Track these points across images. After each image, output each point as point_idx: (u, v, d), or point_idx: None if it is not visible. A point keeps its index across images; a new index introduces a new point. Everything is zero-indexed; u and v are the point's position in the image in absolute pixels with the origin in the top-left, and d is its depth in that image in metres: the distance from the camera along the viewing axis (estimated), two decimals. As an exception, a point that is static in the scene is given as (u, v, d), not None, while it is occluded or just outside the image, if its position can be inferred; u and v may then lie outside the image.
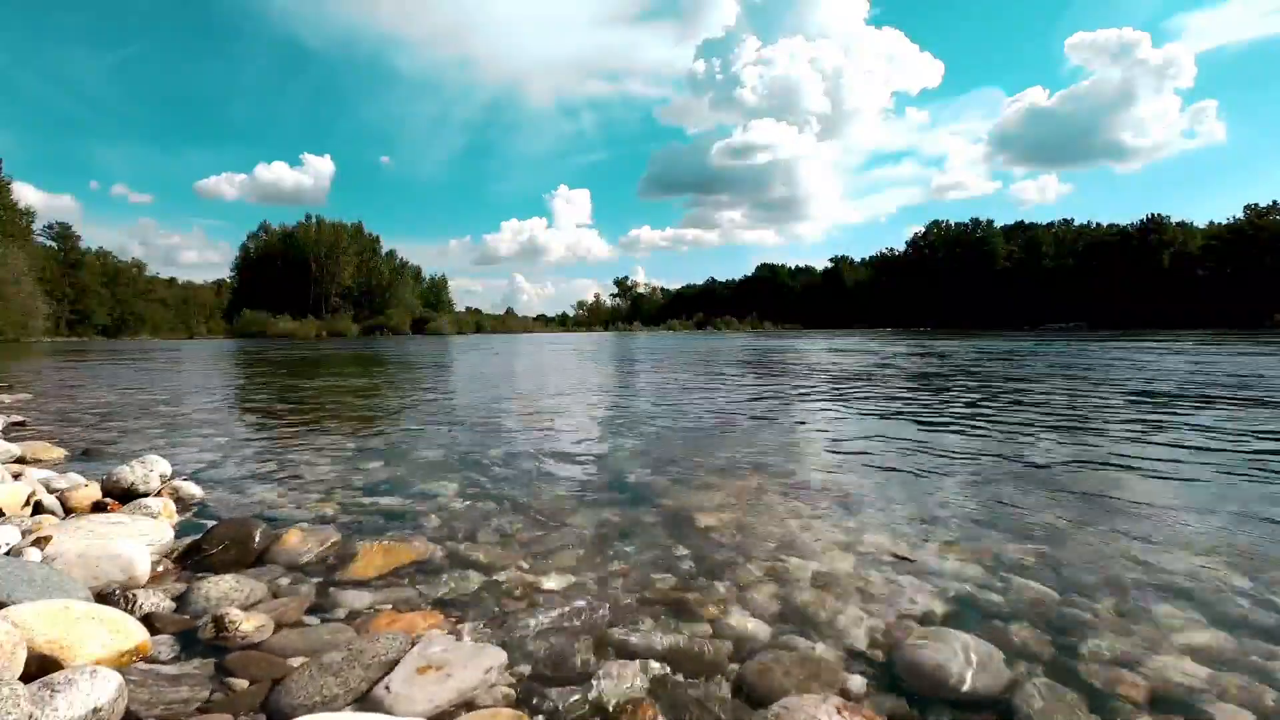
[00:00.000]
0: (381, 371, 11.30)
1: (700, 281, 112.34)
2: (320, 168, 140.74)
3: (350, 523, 2.29)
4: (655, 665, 1.34)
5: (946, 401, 5.87)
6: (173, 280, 74.76)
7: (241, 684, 1.25)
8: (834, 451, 3.60)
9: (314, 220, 75.90)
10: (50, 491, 2.39)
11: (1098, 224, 70.15)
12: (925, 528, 2.22)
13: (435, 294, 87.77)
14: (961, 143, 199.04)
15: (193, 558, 1.91)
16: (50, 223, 57.15)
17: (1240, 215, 57.52)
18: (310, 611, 1.59)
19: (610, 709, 1.21)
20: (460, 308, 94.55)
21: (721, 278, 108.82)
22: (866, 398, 6.27)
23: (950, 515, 2.36)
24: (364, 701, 1.20)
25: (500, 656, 1.34)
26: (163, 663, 1.33)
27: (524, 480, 2.94)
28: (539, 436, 4.15)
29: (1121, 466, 3.13)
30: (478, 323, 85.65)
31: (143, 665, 1.30)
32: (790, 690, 1.24)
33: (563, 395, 6.95)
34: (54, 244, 55.99)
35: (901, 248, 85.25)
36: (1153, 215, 62.79)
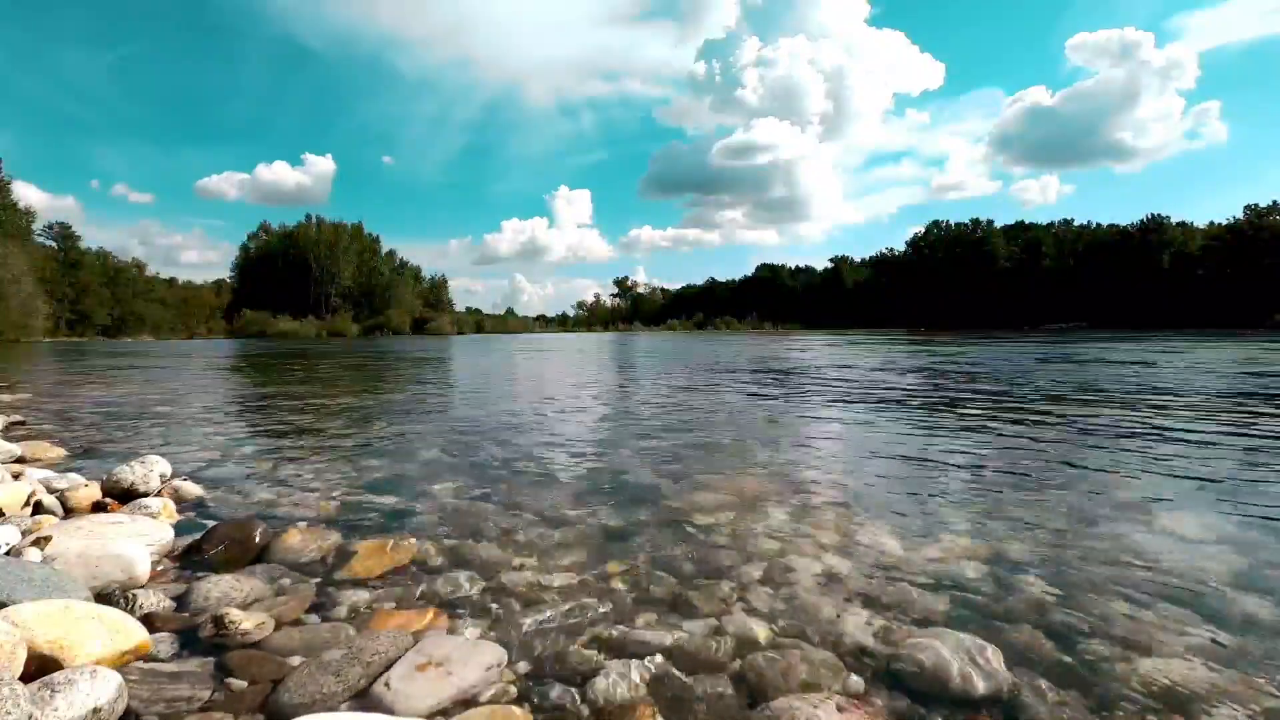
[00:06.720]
0: (381, 371, 11.30)
1: (700, 282, 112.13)
2: (321, 168, 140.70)
3: (350, 522, 2.29)
4: (655, 664, 1.34)
5: (946, 403, 5.87)
6: (173, 280, 74.63)
7: (241, 683, 1.25)
8: (834, 452, 3.60)
9: (314, 220, 75.91)
10: (50, 491, 2.39)
11: (1098, 224, 70.07)
12: (925, 528, 2.22)
13: (435, 294, 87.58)
14: (962, 143, 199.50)
15: (193, 557, 1.91)
16: (50, 223, 57.06)
17: (1240, 216, 57.51)
18: (310, 610, 1.59)
19: (610, 707, 1.20)
20: (460, 308, 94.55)
21: (722, 278, 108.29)
22: (866, 399, 6.26)
23: (950, 515, 2.36)
24: (364, 699, 1.20)
25: (500, 654, 1.34)
26: (163, 662, 1.33)
27: (524, 479, 2.94)
28: (539, 435, 4.15)
29: (1123, 466, 3.13)
30: (478, 323, 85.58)
31: (143, 665, 1.30)
32: (791, 690, 1.24)
33: (562, 395, 6.95)
34: (54, 244, 55.87)
35: (902, 248, 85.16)
36: (1153, 215, 62.78)
